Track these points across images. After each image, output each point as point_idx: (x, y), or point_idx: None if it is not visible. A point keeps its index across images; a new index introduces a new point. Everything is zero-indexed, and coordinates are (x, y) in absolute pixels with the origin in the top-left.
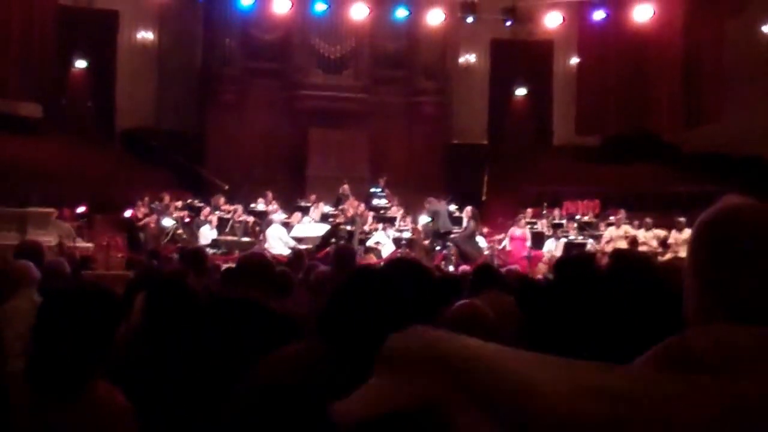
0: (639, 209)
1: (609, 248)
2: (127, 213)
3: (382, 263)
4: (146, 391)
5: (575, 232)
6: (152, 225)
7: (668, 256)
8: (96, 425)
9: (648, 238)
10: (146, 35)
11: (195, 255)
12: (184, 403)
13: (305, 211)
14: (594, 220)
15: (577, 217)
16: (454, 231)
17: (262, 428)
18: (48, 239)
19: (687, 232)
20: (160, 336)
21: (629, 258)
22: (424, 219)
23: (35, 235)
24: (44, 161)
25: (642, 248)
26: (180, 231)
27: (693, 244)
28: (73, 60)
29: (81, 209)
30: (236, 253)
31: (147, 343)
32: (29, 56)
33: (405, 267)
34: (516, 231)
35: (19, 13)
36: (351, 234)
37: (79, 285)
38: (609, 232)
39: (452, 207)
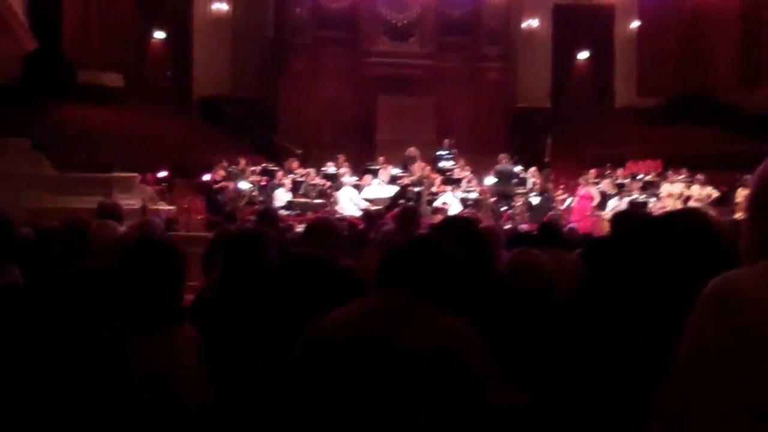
0: (700, 169)
1: (665, 204)
2: (206, 177)
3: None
4: (220, 340)
5: (639, 191)
6: (229, 188)
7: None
8: (169, 353)
9: (701, 195)
10: (221, 6)
11: (269, 215)
12: (252, 354)
13: (374, 173)
14: (656, 179)
15: (640, 176)
16: (519, 191)
17: (317, 381)
18: (132, 202)
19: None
20: (234, 291)
21: (684, 213)
22: (490, 179)
23: (120, 199)
24: (127, 128)
25: (694, 204)
26: (256, 194)
27: (752, 186)
28: (152, 31)
29: (162, 174)
30: (309, 214)
31: (223, 298)
32: (111, 29)
33: (455, 224)
34: (582, 190)
35: None
36: (419, 195)
37: (151, 240)
38: (665, 188)
39: (518, 168)
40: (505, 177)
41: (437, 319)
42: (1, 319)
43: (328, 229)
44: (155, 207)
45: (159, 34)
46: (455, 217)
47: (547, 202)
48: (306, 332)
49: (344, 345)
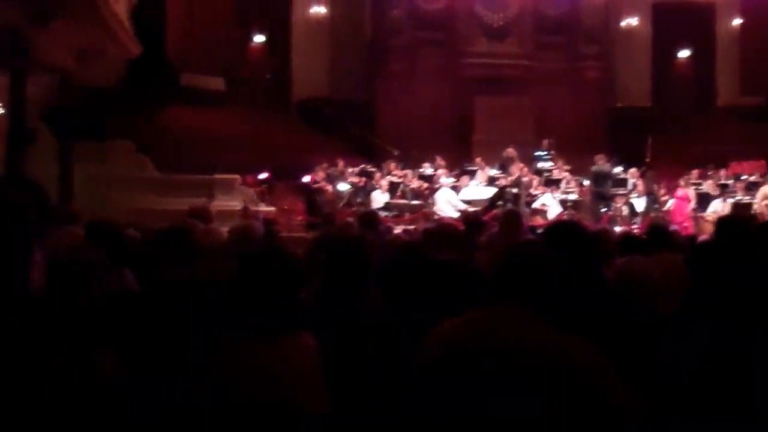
0: None
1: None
2: (305, 178)
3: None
4: (332, 346)
5: (743, 192)
6: (328, 190)
7: None
8: (288, 363)
9: None
10: (319, 9)
11: (370, 217)
12: (361, 360)
13: (472, 174)
14: (761, 179)
15: (744, 177)
16: (619, 192)
17: (438, 392)
18: (233, 204)
19: None
20: (338, 295)
21: None
22: (588, 181)
23: (222, 200)
24: (228, 131)
25: None
26: (354, 195)
27: None
28: (252, 35)
29: (263, 175)
30: (407, 216)
31: (327, 302)
32: (212, 33)
33: (564, 231)
34: (679, 191)
35: None
36: (517, 196)
37: (272, 248)
38: (763, 190)
39: (617, 168)
40: (601, 178)
41: (554, 338)
42: (121, 327)
43: (455, 233)
44: (256, 208)
45: (258, 38)
46: (564, 223)
47: (652, 203)
48: (427, 341)
49: (466, 357)
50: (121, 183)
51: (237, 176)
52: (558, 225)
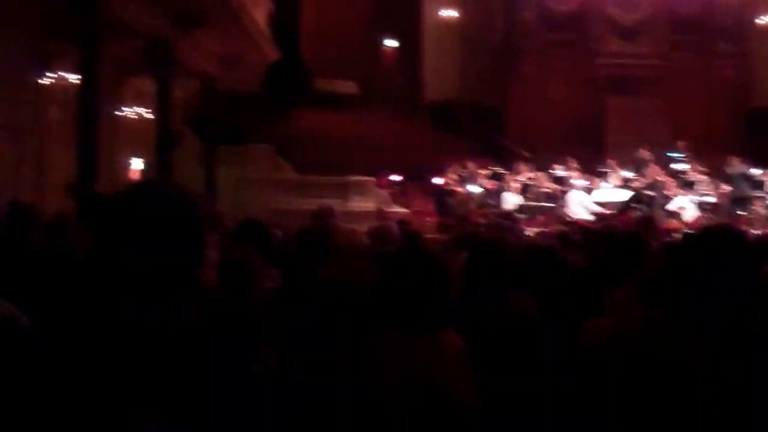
0: None
1: None
2: (437, 180)
3: (685, 228)
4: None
5: None
6: (460, 192)
7: None
8: (440, 359)
9: None
10: (449, 13)
11: (508, 218)
12: (508, 359)
13: (605, 176)
14: None
15: None
16: (757, 194)
17: (601, 387)
18: (367, 205)
19: None
20: (482, 295)
21: None
22: (724, 183)
23: (356, 202)
24: (361, 134)
25: None
26: (485, 197)
27: None
28: (383, 39)
29: (396, 177)
30: (538, 218)
31: (468, 301)
32: (345, 38)
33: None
34: None
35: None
36: (652, 199)
37: (419, 249)
38: None
39: (754, 170)
40: (737, 180)
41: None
42: (279, 325)
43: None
44: (389, 210)
45: (390, 42)
46: (720, 228)
47: None
48: (581, 338)
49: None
50: (261, 184)
51: (371, 178)
52: (713, 230)
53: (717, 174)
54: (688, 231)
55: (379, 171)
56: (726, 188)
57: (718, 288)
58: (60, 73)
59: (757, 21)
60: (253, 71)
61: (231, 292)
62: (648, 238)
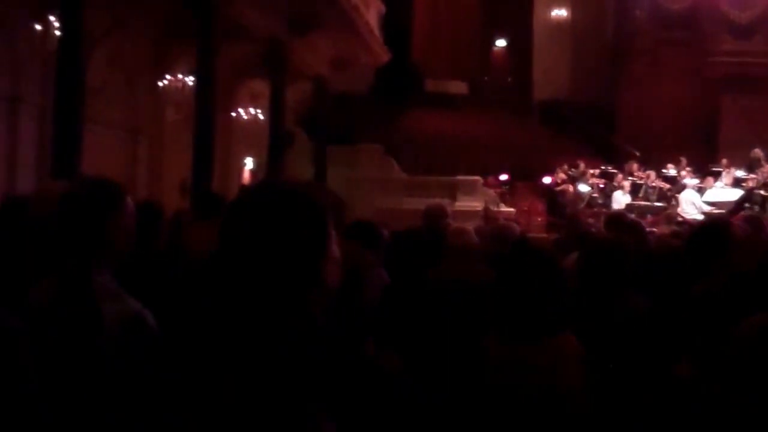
0: None
1: None
2: (546, 179)
3: None
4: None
5: None
6: (570, 191)
7: None
8: (555, 364)
9: None
10: (560, 12)
11: (618, 219)
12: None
13: (717, 176)
14: None
15: None
16: None
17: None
18: (475, 204)
19: None
20: (598, 298)
21: None
22: None
23: (464, 201)
24: (470, 133)
25: None
26: (595, 196)
27: None
28: (494, 40)
29: (503, 177)
30: (649, 218)
31: (582, 301)
32: (455, 39)
33: None
34: None
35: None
36: (765, 199)
37: (536, 250)
38: None
39: None
40: None
41: None
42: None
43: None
44: (497, 209)
45: (500, 42)
46: None
47: None
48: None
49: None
50: (370, 184)
51: (479, 177)
52: None
53: None
54: None
55: (487, 170)
56: None
57: None
58: (178, 75)
59: None
60: (364, 73)
61: (347, 290)
62: (757, 237)
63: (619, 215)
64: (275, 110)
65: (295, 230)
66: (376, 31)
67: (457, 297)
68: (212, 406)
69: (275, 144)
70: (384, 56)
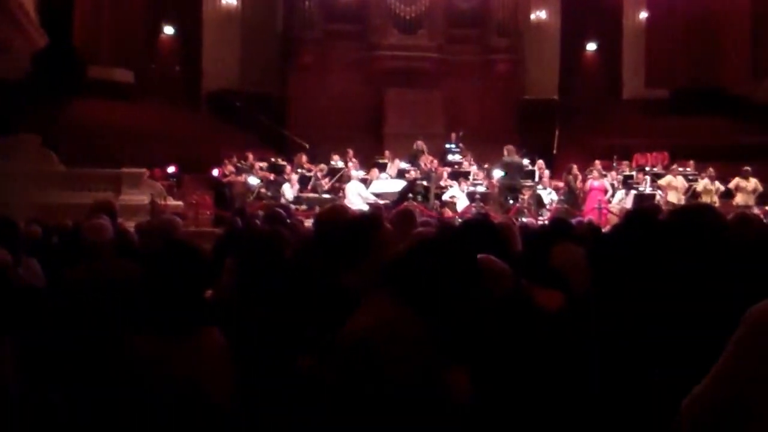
0: (707, 161)
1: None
2: (214, 172)
3: (456, 217)
4: (243, 343)
5: (645, 183)
6: (238, 183)
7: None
8: (199, 359)
9: (709, 188)
10: (230, 1)
11: (279, 213)
12: (280, 362)
13: (382, 167)
14: (663, 171)
15: (647, 168)
16: (527, 184)
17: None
18: (141, 198)
19: (753, 182)
20: (252, 296)
21: (695, 210)
22: (497, 173)
23: (129, 194)
24: (136, 124)
25: (704, 198)
26: (264, 189)
27: None
28: (161, 27)
29: (171, 169)
30: (317, 209)
31: (240, 302)
32: (121, 25)
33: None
34: (594, 182)
35: None
36: (427, 189)
37: (177, 245)
38: (665, 180)
39: (525, 161)
40: (512, 170)
41: None
42: (24, 324)
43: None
44: (164, 202)
45: (168, 30)
46: (475, 220)
47: (570, 195)
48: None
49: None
50: (26, 178)
51: (144, 170)
52: (469, 222)
53: (491, 164)
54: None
55: (155, 163)
56: (497, 178)
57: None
58: None
59: (531, 17)
60: (19, 58)
61: None
62: (406, 228)
63: (275, 212)
64: None
65: None
66: (32, 13)
67: (96, 295)
68: None
69: None
70: (40, 40)
